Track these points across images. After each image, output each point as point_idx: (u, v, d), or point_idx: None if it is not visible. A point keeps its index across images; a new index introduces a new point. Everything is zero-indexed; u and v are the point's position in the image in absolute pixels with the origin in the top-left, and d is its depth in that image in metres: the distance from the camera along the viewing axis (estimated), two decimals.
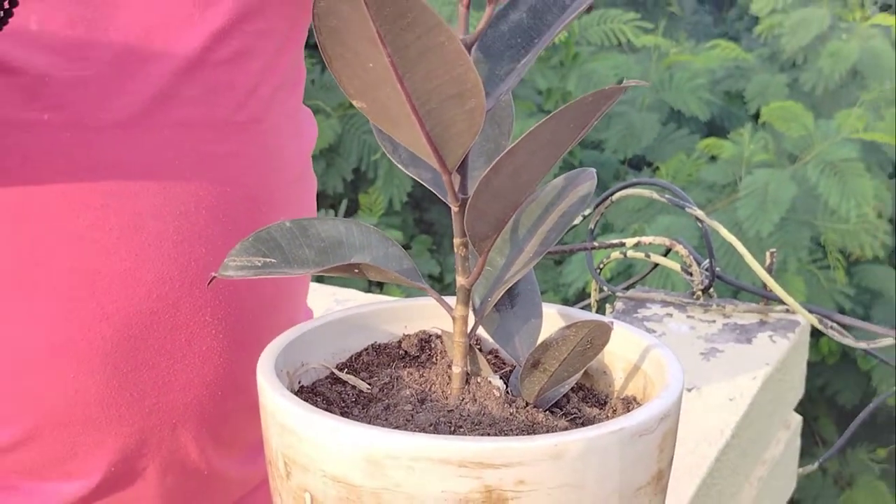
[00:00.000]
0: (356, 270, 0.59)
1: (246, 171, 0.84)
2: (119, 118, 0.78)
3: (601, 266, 1.40)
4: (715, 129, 3.84)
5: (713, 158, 3.44)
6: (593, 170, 0.65)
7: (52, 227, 0.74)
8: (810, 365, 1.46)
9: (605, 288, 1.39)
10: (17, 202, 0.75)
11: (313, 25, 0.56)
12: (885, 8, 4.43)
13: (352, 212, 3.47)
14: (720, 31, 4.59)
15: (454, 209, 0.59)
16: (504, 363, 0.67)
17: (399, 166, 0.63)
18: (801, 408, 1.43)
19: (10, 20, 0.71)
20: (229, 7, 0.84)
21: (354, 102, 0.58)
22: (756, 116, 3.63)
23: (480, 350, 0.66)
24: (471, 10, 0.63)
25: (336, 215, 3.51)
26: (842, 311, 3.49)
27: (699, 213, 1.26)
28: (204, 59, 0.84)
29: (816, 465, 1.57)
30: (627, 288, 1.38)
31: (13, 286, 0.76)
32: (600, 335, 0.58)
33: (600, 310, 1.47)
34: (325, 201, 3.64)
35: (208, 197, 0.79)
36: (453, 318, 0.61)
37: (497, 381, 0.61)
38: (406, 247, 3.47)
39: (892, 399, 3.10)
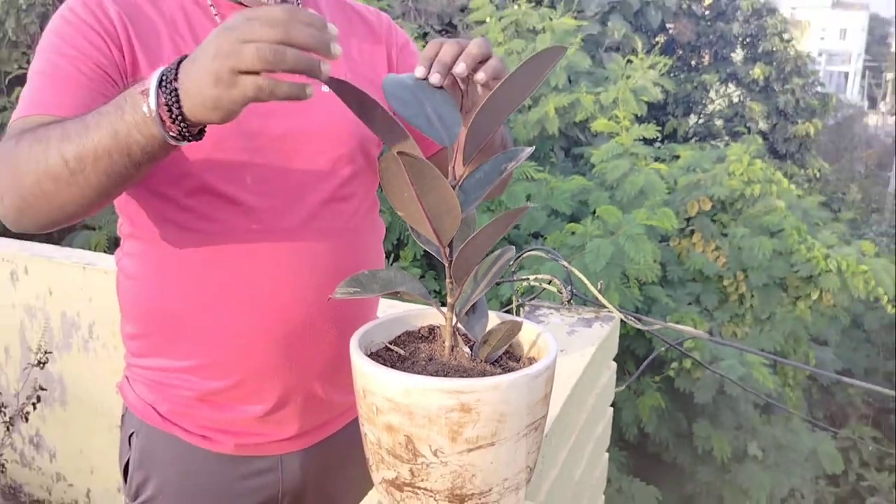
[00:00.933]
0: (399, 294, 0.87)
1: (352, 247, 1.14)
2: (290, 226, 1.08)
3: (518, 289, 1.97)
4: (574, 219, 4.88)
5: (573, 233, 4.49)
6: (512, 247, 0.95)
7: (255, 272, 1.09)
8: (622, 337, 2.03)
9: (520, 300, 1.94)
10: (244, 267, 1.08)
11: (379, 171, 0.83)
12: (659, 160, 5.87)
13: (395, 259, 4.50)
14: (576, 171, 5.76)
15: (446, 265, 0.85)
16: (469, 340, 0.93)
17: (420, 243, 0.89)
18: (616, 358, 1.92)
19: (231, 172, 1.01)
20: (349, 169, 1.14)
21: (398, 212, 0.82)
22: (594, 213, 4.63)
23: (459, 333, 0.92)
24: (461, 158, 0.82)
25: (390, 264, 4.24)
26: (637, 310, 4.49)
27: (565, 263, 1.84)
28: (335, 195, 1.12)
29: (624, 386, 2.28)
30: (531, 300, 1.96)
31: (235, 302, 1.09)
32: (516, 327, 0.88)
33: (517, 311, 1.93)
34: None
35: (333, 259, 1.12)
36: (446, 319, 0.89)
37: (466, 349, 0.90)
38: (421, 277, 4.47)
39: (662, 351, 4.35)
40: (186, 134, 0.82)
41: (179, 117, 0.81)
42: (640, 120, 6.25)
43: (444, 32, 6.47)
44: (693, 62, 10.33)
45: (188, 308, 1.07)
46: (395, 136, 0.84)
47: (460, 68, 0.90)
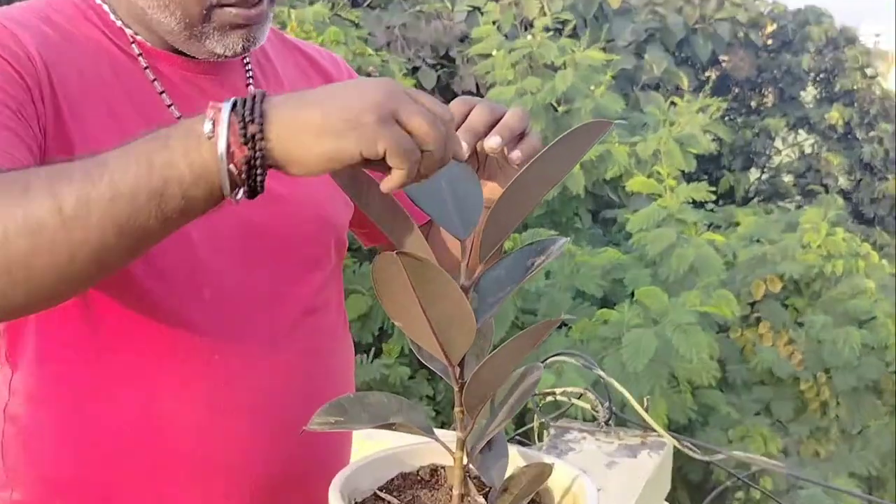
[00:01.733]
0: (394, 426, 0.90)
1: (326, 375, 1.24)
2: (250, 352, 1.16)
3: (539, 404, 1.99)
4: (606, 303, 5.00)
5: (605, 322, 4.58)
6: (540, 366, 0.96)
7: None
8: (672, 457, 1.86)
9: (542, 418, 1.99)
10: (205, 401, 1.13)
11: (372, 278, 0.85)
12: (713, 227, 5.95)
13: (376, 355, 4.57)
14: (608, 241, 5.94)
15: (456, 389, 0.89)
16: (484, 485, 0.97)
17: (422, 360, 0.93)
18: (668, 495, 1.89)
19: (187, 291, 1.09)
20: (320, 275, 1.23)
21: (394, 321, 0.86)
22: (631, 295, 4.74)
23: (470, 477, 0.95)
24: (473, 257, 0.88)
25: (370, 361, 4.38)
26: (690, 422, 4.49)
27: (601, 373, 1.85)
28: (307, 306, 1.21)
29: None
30: (557, 418, 1.97)
31: (181, 467, 1.14)
32: (545, 472, 0.93)
33: (539, 435, 1.97)
34: (360, 348, 4.48)
35: (304, 394, 1.19)
36: (454, 458, 0.92)
37: (481, 500, 0.93)
38: (411, 377, 4.60)
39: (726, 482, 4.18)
40: (254, 174, 0.85)
41: (259, 142, 0.85)
42: (687, 177, 6.42)
43: (438, 67, 6.76)
44: (753, 103, 10.42)
45: (111, 477, 1.10)
46: (399, 226, 0.89)
47: (495, 142, 0.96)
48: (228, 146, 0.84)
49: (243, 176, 0.85)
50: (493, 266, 0.92)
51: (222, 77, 1.19)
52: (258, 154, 0.84)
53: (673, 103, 6.53)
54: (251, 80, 1.23)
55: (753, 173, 9.97)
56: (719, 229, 5.98)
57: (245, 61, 1.24)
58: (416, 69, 6.64)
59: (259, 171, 0.85)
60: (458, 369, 0.90)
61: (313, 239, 1.21)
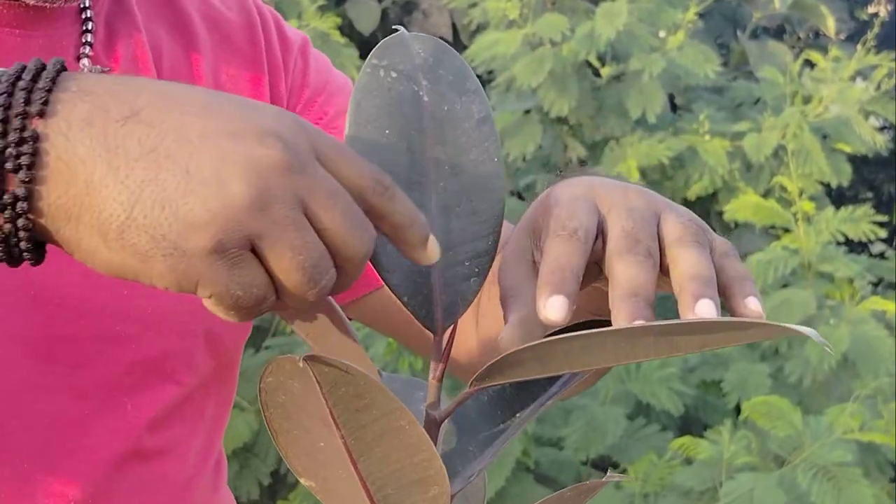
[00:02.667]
0: None
1: None
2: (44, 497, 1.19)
3: None
4: (690, 425, 4.64)
5: (688, 460, 4.12)
6: None
7: None
8: None
9: None
10: None
11: (259, 399, 0.83)
12: (885, 288, 5.43)
13: None
14: None
15: None
16: None
17: None
18: None
19: None
20: (174, 389, 1.25)
21: (302, 480, 0.85)
22: (737, 411, 4.34)
23: None
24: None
25: None
26: None
27: None
28: (140, 447, 1.23)
29: None
30: None
31: None
32: None
33: None
34: None
35: None
36: None
37: None
38: None
39: None
40: (13, 234, 0.86)
41: (24, 185, 0.84)
42: (835, 196, 6.06)
43: None
44: None
45: None
46: (316, 313, 0.94)
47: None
48: None
49: None
50: (481, 388, 0.90)
51: (45, 32, 1.27)
52: (19, 208, 0.85)
53: (809, 62, 6.06)
54: (88, 45, 1.31)
55: None
56: (894, 291, 5.48)
57: (83, 11, 1.33)
58: None
59: (20, 232, 0.86)
60: None
61: (162, 331, 1.27)
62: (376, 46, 1.01)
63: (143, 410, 1.27)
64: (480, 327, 1.35)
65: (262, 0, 1.48)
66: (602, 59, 5.54)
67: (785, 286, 4.69)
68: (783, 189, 5.02)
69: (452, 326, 0.96)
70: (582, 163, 5.60)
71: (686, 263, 0.96)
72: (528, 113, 5.38)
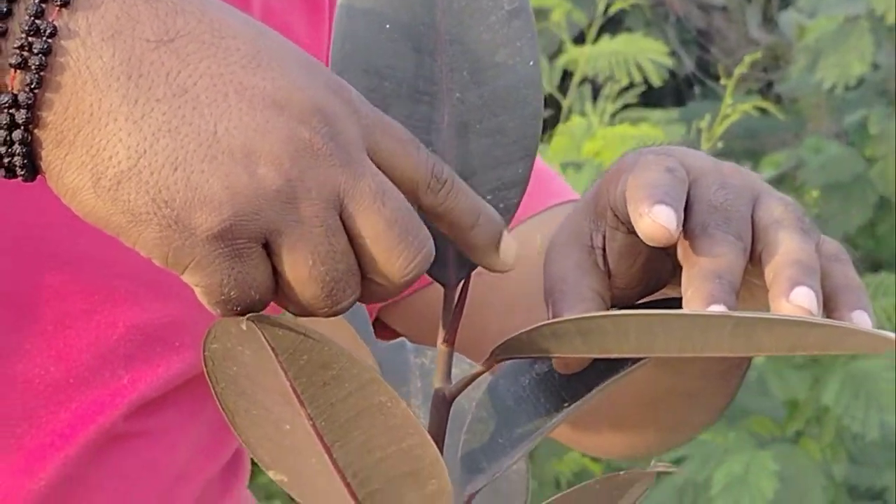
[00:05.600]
0: None
1: None
2: (11, 470, 1.15)
3: None
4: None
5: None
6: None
7: None
8: None
9: None
10: None
11: (205, 371, 0.76)
12: None
13: None
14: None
15: None
16: None
17: None
18: None
19: None
20: (174, 362, 1.19)
21: (270, 474, 0.75)
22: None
23: None
24: None
25: None
26: None
27: None
28: (114, 429, 1.16)
29: None
30: None
31: None
32: None
33: None
34: None
35: None
36: None
37: None
38: None
39: None
40: (10, 139, 0.79)
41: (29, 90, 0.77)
42: None
43: None
44: None
45: None
46: None
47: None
48: None
49: None
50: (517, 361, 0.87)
51: None
52: (24, 106, 0.77)
53: None
54: None
55: None
56: None
57: None
58: None
59: (19, 137, 0.78)
60: None
61: (168, 295, 1.18)
62: None
63: (137, 385, 1.19)
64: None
65: None
66: None
67: None
68: None
69: (467, 278, 0.87)
70: None
71: (786, 247, 0.87)
72: (855, 20, 4.09)
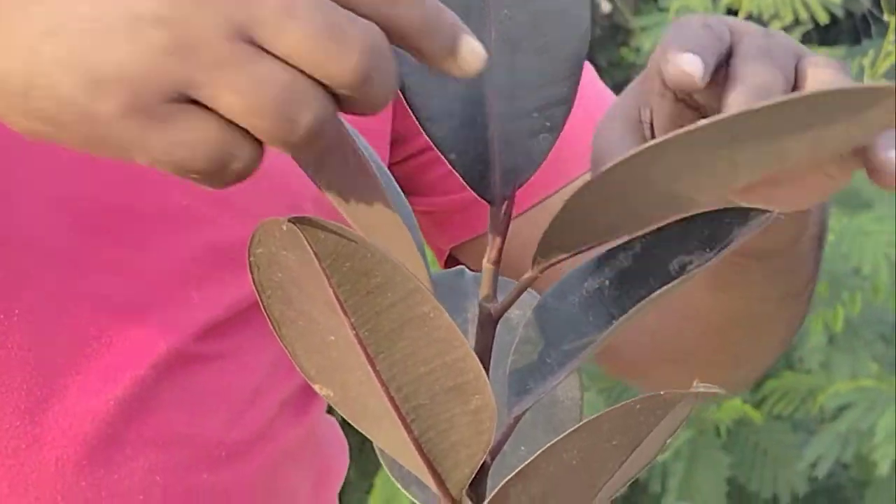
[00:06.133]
0: None
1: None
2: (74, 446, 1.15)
3: None
4: None
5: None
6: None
7: None
8: None
9: None
10: None
11: (252, 279, 0.71)
12: None
13: None
14: None
15: None
16: None
17: (397, 483, 0.80)
18: None
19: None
20: (234, 294, 1.19)
21: (316, 388, 0.72)
22: None
23: None
24: None
25: None
26: None
27: None
28: (194, 351, 1.19)
29: None
30: None
31: None
32: None
33: None
34: None
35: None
36: None
37: None
38: None
39: None
40: None
41: None
42: None
43: None
44: None
45: None
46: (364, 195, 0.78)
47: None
48: None
49: None
50: (586, 273, 0.79)
51: None
52: None
53: None
54: None
55: None
56: None
57: None
58: None
59: None
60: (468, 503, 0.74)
61: (245, 215, 1.16)
62: None
63: (208, 305, 1.20)
64: None
65: None
66: None
67: None
68: None
69: (512, 194, 0.82)
70: None
71: (824, 77, 0.88)
72: None
